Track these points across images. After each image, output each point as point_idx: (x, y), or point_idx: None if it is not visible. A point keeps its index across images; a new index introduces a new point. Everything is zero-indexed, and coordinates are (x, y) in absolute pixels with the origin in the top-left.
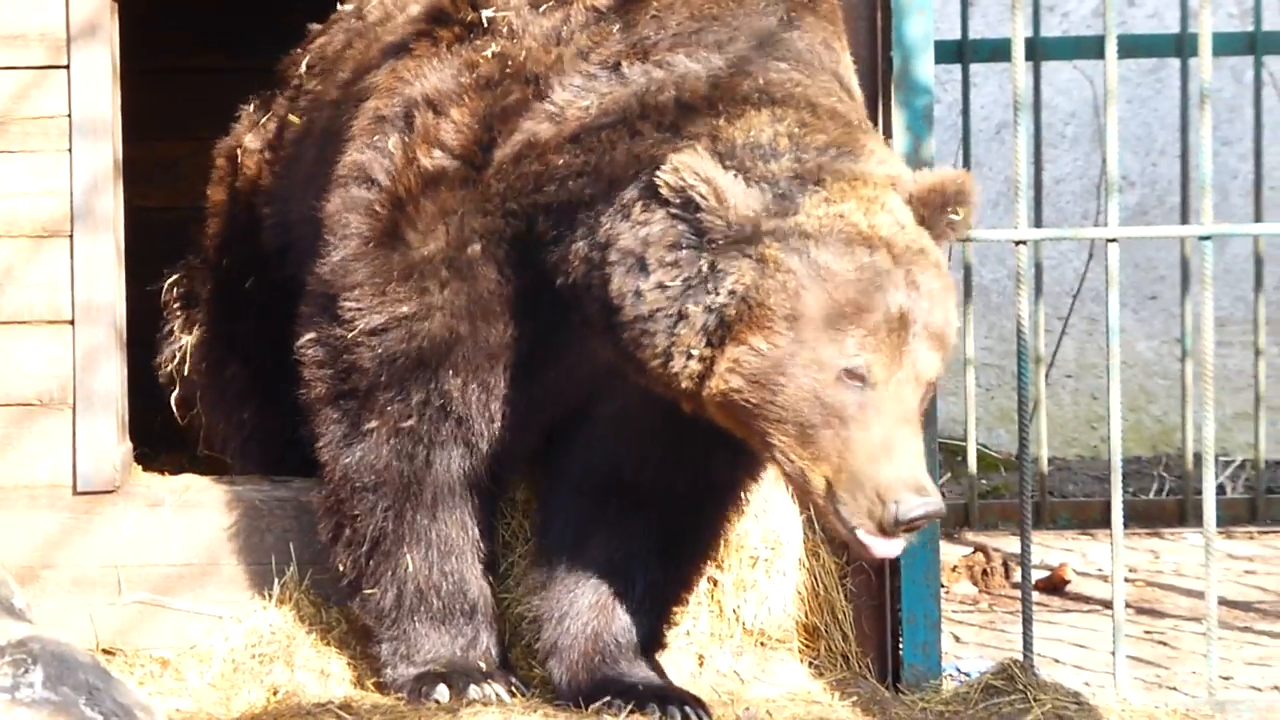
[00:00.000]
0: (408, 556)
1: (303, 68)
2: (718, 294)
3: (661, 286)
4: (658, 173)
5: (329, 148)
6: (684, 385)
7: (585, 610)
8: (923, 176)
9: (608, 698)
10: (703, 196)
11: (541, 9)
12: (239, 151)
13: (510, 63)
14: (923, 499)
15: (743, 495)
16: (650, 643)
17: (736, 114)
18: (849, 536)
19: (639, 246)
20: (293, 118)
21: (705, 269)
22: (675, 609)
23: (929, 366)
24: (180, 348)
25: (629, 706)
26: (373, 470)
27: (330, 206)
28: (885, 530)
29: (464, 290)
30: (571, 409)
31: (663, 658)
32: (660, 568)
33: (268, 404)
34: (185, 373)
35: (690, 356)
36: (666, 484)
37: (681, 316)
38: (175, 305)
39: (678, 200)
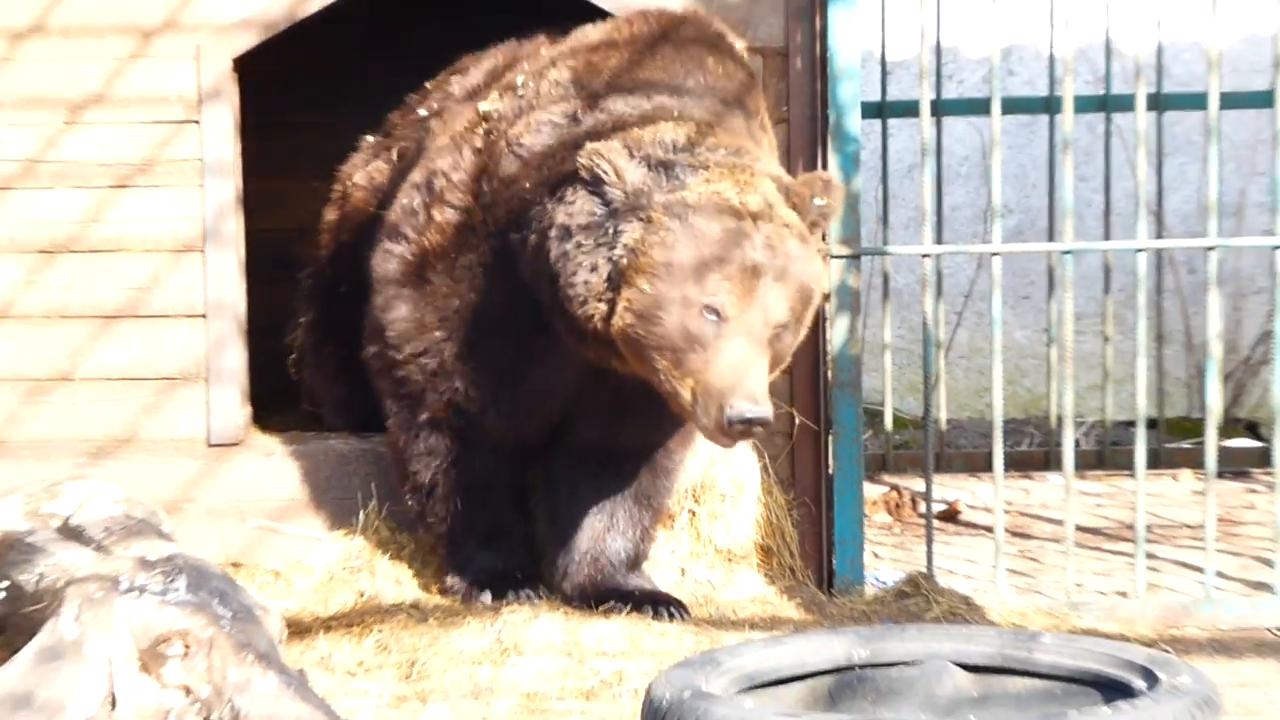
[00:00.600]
0: (454, 498)
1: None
2: (615, 248)
3: (579, 246)
4: (577, 157)
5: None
6: (598, 326)
7: (584, 540)
8: (800, 177)
9: (611, 602)
10: (604, 172)
11: (518, 94)
12: (348, 183)
13: (494, 133)
14: (753, 406)
15: (675, 451)
16: (637, 559)
17: (650, 124)
18: (704, 432)
19: (566, 219)
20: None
21: (610, 230)
22: (651, 531)
23: (776, 308)
24: (298, 325)
25: (628, 606)
26: (425, 442)
27: (375, 258)
28: (723, 429)
29: (472, 314)
30: (555, 404)
31: (653, 571)
32: (634, 503)
33: (354, 375)
34: (299, 344)
35: (600, 300)
36: (628, 444)
37: (593, 269)
38: (304, 295)
39: (589, 177)
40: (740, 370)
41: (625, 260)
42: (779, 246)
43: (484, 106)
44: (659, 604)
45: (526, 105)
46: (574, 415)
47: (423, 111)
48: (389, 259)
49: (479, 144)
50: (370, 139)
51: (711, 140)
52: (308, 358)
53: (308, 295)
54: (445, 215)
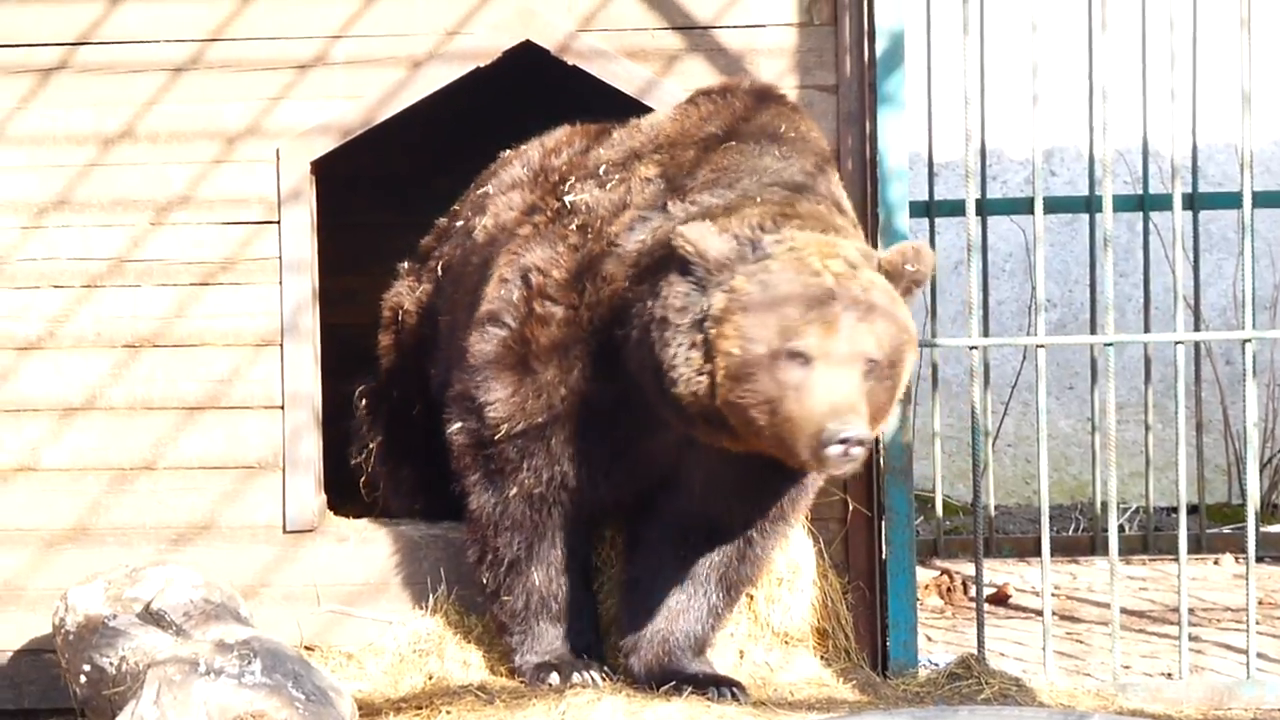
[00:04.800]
0: (534, 574)
1: (436, 248)
2: (705, 321)
3: (676, 328)
4: (670, 244)
5: (464, 306)
6: (703, 402)
7: (659, 619)
8: (892, 247)
9: (673, 683)
10: (688, 250)
11: (607, 186)
12: (400, 310)
13: (589, 230)
14: (846, 426)
15: (784, 529)
16: (704, 645)
17: (736, 211)
18: (808, 465)
19: (662, 310)
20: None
21: (701, 307)
22: (725, 617)
23: (863, 342)
24: (367, 448)
25: (689, 688)
26: (509, 517)
27: (472, 340)
28: (821, 455)
29: (574, 400)
30: (653, 475)
31: (712, 654)
32: (715, 586)
33: (433, 495)
34: (370, 467)
35: (700, 374)
36: (727, 523)
37: (691, 346)
38: (363, 412)
39: (678, 261)
40: (832, 395)
41: (714, 330)
42: (860, 298)
43: (571, 198)
44: (720, 685)
45: (620, 202)
46: (673, 485)
47: (459, 223)
48: (487, 342)
49: (574, 240)
50: (406, 265)
51: (798, 220)
52: (383, 482)
53: (371, 419)
54: (547, 309)
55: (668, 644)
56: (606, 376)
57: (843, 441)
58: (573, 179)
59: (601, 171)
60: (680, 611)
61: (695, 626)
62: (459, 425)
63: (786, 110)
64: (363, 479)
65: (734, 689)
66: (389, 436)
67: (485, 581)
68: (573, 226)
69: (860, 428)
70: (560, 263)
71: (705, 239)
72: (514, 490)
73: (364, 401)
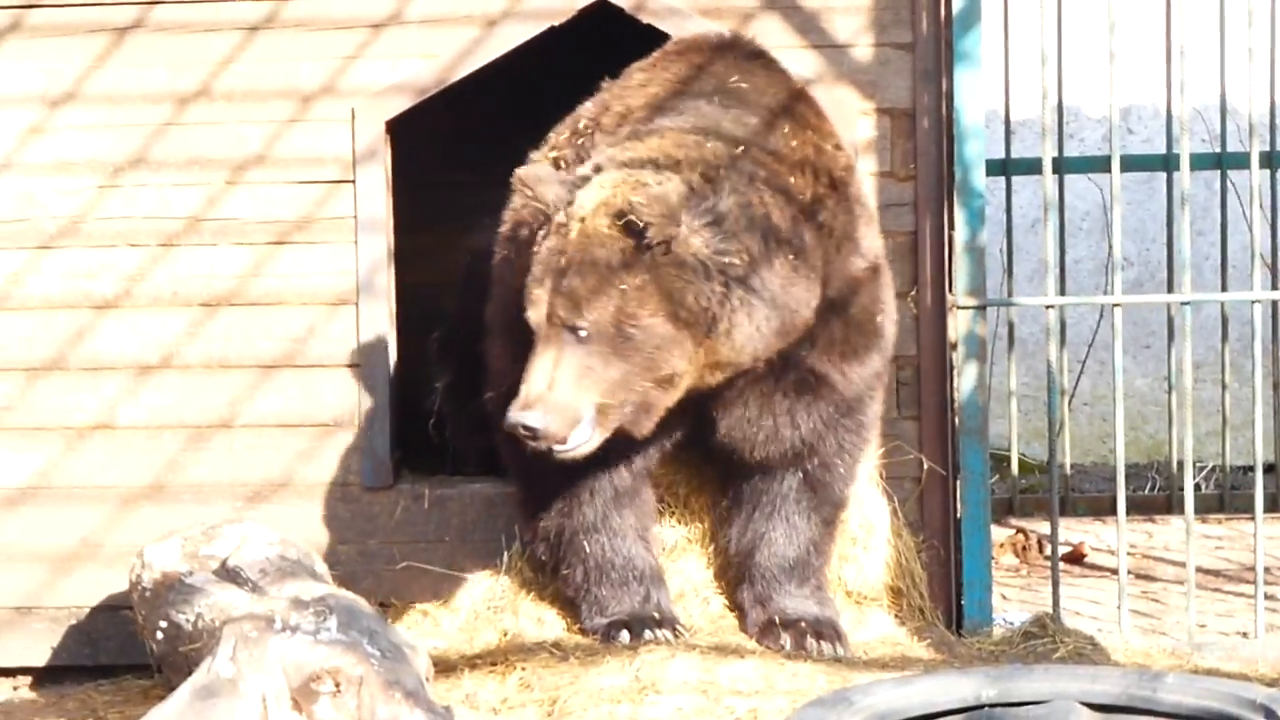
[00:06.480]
0: (585, 544)
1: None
2: None
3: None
4: None
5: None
6: None
7: (751, 554)
8: None
9: (775, 617)
10: (526, 193)
11: (579, 140)
12: (474, 252)
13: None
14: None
15: (856, 444)
16: (806, 573)
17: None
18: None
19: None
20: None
21: None
22: (827, 547)
23: (562, 312)
24: (436, 389)
25: (785, 631)
26: (543, 485)
27: (488, 307)
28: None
29: None
30: (682, 420)
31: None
32: (804, 515)
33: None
34: (439, 408)
35: None
36: (779, 454)
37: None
38: (436, 357)
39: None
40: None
41: None
42: (579, 250)
43: (555, 154)
44: (820, 632)
45: (579, 155)
46: (710, 427)
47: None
48: (491, 301)
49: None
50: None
51: (652, 162)
52: (449, 421)
53: (442, 360)
54: (528, 261)
55: (765, 578)
56: None
57: (525, 432)
58: (566, 134)
59: (581, 125)
60: (768, 542)
61: (789, 552)
62: (488, 394)
63: (741, 61)
64: (431, 420)
65: (831, 638)
66: (457, 375)
67: (542, 557)
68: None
69: (535, 417)
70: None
71: (538, 185)
72: (530, 451)
73: (437, 345)
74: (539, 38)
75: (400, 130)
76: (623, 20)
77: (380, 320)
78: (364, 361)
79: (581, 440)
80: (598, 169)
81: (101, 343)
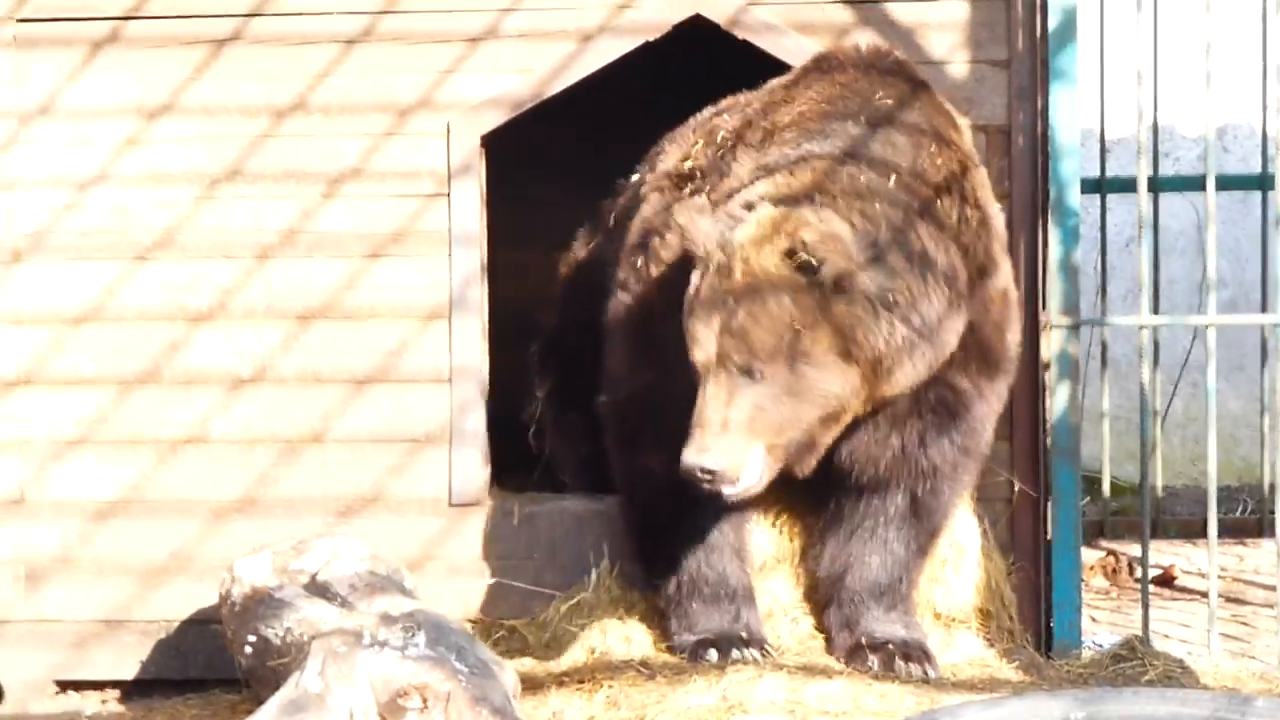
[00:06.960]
0: (681, 556)
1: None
2: None
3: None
4: None
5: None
6: None
7: (843, 576)
8: None
9: (862, 640)
10: (684, 235)
11: (720, 153)
12: (575, 261)
13: (700, 196)
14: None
15: (961, 470)
16: (895, 597)
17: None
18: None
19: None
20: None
21: None
22: (917, 569)
23: (726, 348)
24: (537, 398)
25: (873, 654)
26: (646, 491)
27: (609, 304)
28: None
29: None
30: None
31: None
32: (899, 538)
33: (595, 442)
34: (538, 417)
35: None
36: (883, 474)
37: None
38: (536, 367)
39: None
40: (695, 416)
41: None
42: (743, 283)
43: (689, 164)
44: (908, 655)
45: (724, 167)
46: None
47: (634, 177)
48: (616, 305)
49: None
50: (585, 229)
51: (820, 196)
52: (549, 428)
53: (542, 368)
54: (659, 270)
55: (854, 602)
56: None
57: (703, 475)
58: (700, 144)
59: (719, 138)
60: (862, 566)
61: (881, 577)
62: (600, 398)
63: (885, 76)
64: (532, 430)
65: (920, 660)
66: (557, 383)
67: (641, 567)
68: (686, 191)
69: (712, 459)
70: (671, 227)
71: (691, 224)
72: (641, 459)
73: (537, 356)
74: (635, 53)
75: (495, 145)
76: (716, 37)
77: (473, 335)
78: (456, 376)
79: (752, 481)
80: (749, 206)
81: (195, 355)
